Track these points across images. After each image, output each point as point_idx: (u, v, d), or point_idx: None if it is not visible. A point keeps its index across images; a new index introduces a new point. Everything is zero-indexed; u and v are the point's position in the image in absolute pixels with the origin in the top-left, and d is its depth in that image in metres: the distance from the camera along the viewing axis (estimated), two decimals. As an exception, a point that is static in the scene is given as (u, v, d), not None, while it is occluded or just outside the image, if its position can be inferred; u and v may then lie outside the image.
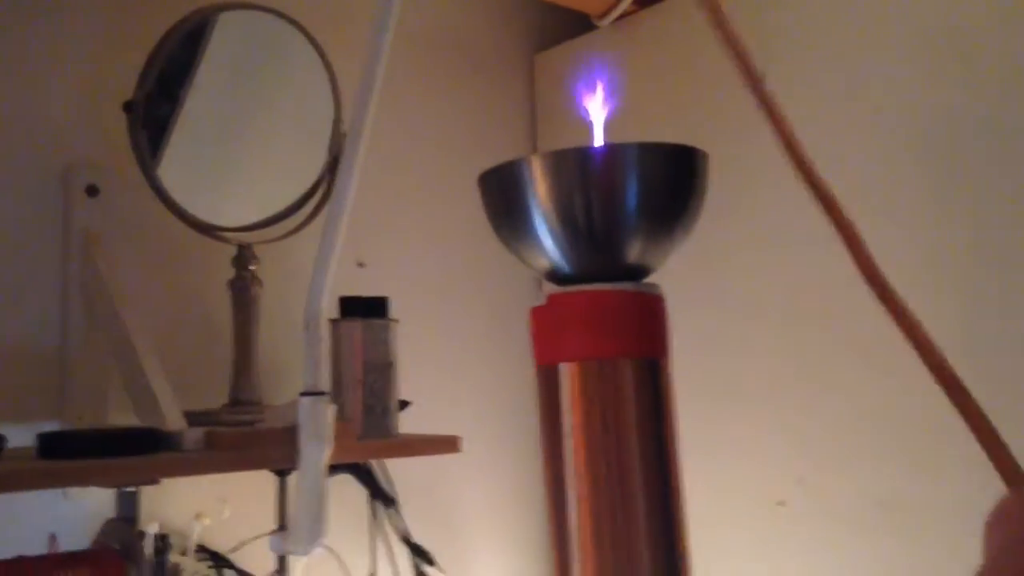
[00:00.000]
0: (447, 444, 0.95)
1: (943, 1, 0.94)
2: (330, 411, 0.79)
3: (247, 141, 1.00)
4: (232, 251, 0.97)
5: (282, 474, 0.94)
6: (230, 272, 0.97)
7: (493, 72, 1.42)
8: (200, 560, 0.98)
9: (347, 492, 1.06)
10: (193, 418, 0.84)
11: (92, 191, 0.95)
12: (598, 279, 0.49)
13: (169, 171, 0.91)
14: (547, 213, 0.48)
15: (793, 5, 1.08)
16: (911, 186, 0.96)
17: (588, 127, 0.51)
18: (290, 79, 1.02)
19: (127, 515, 0.82)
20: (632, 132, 0.46)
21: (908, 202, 0.96)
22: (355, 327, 0.92)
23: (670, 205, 0.50)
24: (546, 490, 0.51)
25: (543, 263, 0.51)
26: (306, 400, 0.79)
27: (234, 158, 0.99)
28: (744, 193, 1.06)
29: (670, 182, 0.50)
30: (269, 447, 0.80)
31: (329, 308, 0.81)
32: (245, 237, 0.97)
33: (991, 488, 0.29)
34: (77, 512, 0.92)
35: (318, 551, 0.80)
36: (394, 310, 0.95)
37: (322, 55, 0.99)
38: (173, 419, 0.80)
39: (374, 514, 1.09)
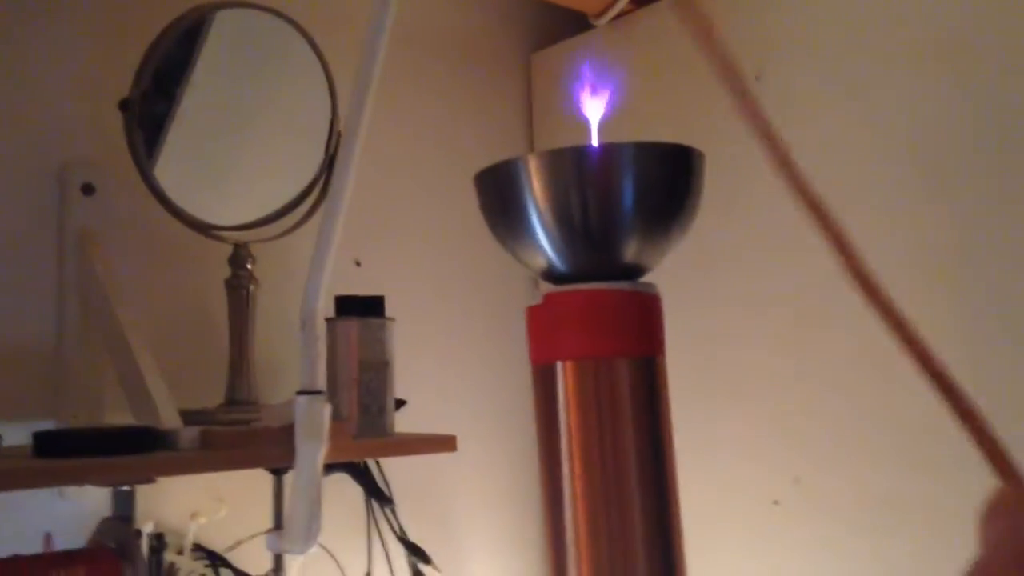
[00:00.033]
0: (443, 443, 0.95)
1: (937, 3, 0.95)
2: (326, 410, 0.79)
3: (243, 140, 1.00)
4: (228, 250, 0.97)
5: (278, 473, 0.94)
6: (226, 271, 0.97)
7: (490, 71, 1.42)
8: (196, 559, 0.98)
9: (343, 491, 1.06)
10: (189, 417, 0.84)
11: (88, 189, 0.95)
12: (594, 278, 0.49)
13: (165, 170, 0.91)
14: (543, 212, 0.48)
15: (790, 7, 1.08)
16: (906, 185, 0.96)
17: (585, 127, 0.51)
18: (287, 78, 1.02)
19: (123, 514, 0.82)
20: (629, 132, 0.46)
21: (903, 201, 0.96)
22: (351, 326, 0.92)
23: (666, 204, 0.50)
24: (542, 489, 0.51)
25: (539, 262, 0.51)
26: (302, 399, 0.79)
27: (230, 157, 0.99)
28: (740, 193, 1.06)
29: (666, 181, 0.50)
30: (265, 446, 0.80)
31: (325, 307, 0.81)
32: (241, 236, 0.96)
33: (987, 486, 0.29)
34: (73, 511, 0.91)
35: (314, 550, 0.80)
36: (390, 309, 0.95)
37: (319, 54, 0.99)
38: (169, 418, 0.80)
39: (370, 513, 1.09)
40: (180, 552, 0.96)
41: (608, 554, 0.48)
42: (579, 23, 1.34)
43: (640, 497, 0.48)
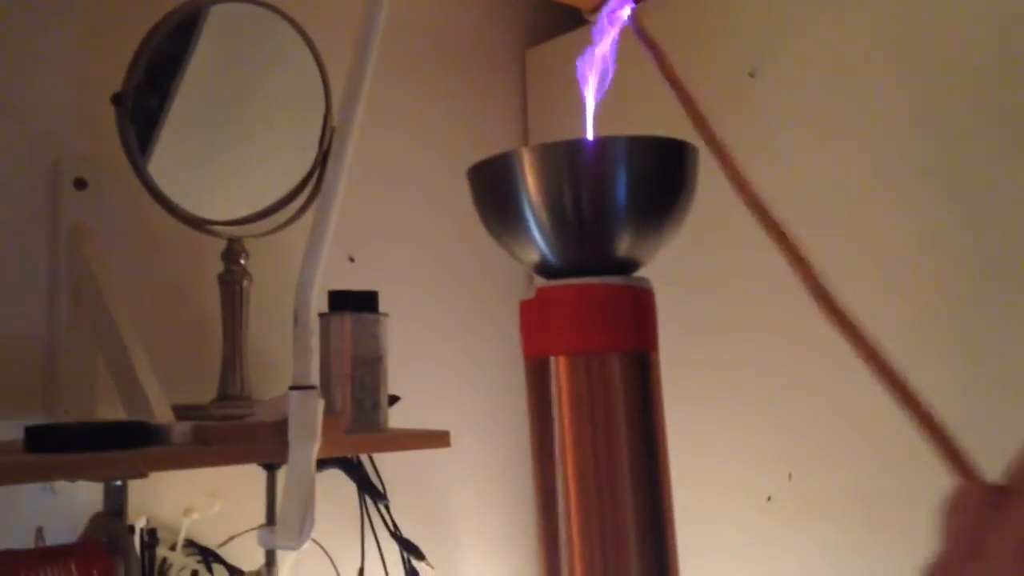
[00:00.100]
0: (437, 439, 0.95)
1: (935, 3, 0.95)
2: (319, 405, 0.79)
3: (237, 135, 0.99)
4: (222, 245, 0.97)
5: (271, 468, 0.94)
6: (219, 266, 0.97)
7: (484, 67, 1.42)
8: (188, 555, 0.98)
9: (337, 487, 1.06)
10: (182, 412, 0.84)
11: (80, 184, 0.95)
12: (587, 273, 0.49)
13: (158, 164, 0.91)
14: (536, 206, 0.48)
15: (783, 3, 1.08)
16: (901, 183, 0.96)
17: (580, 122, 0.51)
18: (281, 73, 1.01)
19: (115, 509, 0.82)
20: (624, 127, 0.46)
21: (899, 198, 0.96)
22: (344, 321, 0.92)
23: (660, 198, 0.50)
24: (535, 485, 0.51)
25: (532, 256, 0.51)
26: (295, 394, 0.79)
27: (224, 152, 0.99)
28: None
29: (659, 175, 0.50)
30: (258, 441, 0.80)
31: (319, 302, 0.81)
32: (235, 231, 0.96)
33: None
34: (64, 506, 0.91)
35: (307, 546, 0.80)
36: (384, 304, 0.95)
37: (313, 49, 0.99)
38: (161, 413, 0.80)
39: (364, 509, 1.09)
40: (173, 548, 0.96)
41: (600, 549, 0.48)
42: (573, 19, 1.34)
43: (633, 492, 0.48)
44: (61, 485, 0.91)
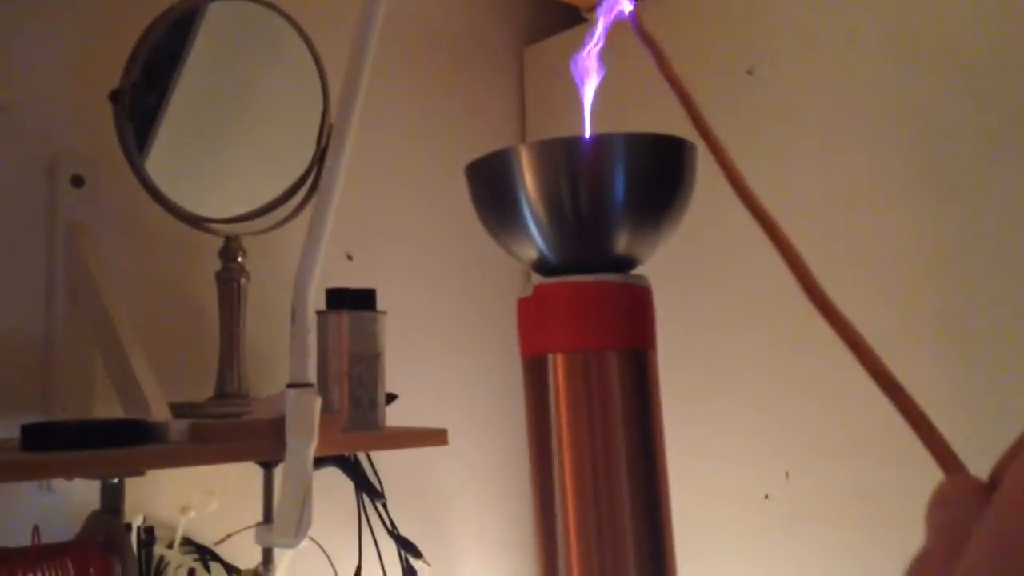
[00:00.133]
0: (435, 437, 0.95)
1: (933, 1, 0.95)
2: (316, 403, 0.79)
3: (235, 132, 0.99)
4: (219, 243, 0.97)
5: (268, 466, 0.94)
6: (217, 264, 0.97)
7: (482, 65, 1.42)
8: (186, 553, 0.98)
9: (334, 485, 1.06)
10: (179, 410, 0.84)
11: (77, 181, 0.95)
12: (585, 270, 0.49)
13: (156, 162, 0.91)
14: (534, 203, 0.48)
15: (782, 1, 1.08)
16: (899, 180, 0.96)
17: (578, 120, 0.51)
18: (279, 70, 1.01)
19: (112, 507, 0.82)
20: (623, 125, 0.46)
21: (896, 195, 0.96)
22: (342, 319, 0.92)
23: (658, 196, 0.50)
24: (532, 482, 0.51)
25: (530, 254, 0.51)
26: (292, 392, 0.79)
27: (221, 149, 0.99)
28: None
29: (657, 173, 0.50)
30: (255, 439, 0.80)
31: (316, 300, 0.81)
32: (232, 229, 0.96)
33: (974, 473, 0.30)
34: (61, 504, 0.91)
35: (304, 544, 0.80)
36: (382, 303, 0.95)
37: (311, 47, 0.99)
38: (158, 411, 0.80)
39: (361, 507, 1.08)
40: (170, 546, 0.96)
41: (598, 548, 0.48)
42: (572, 16, 1.34)
43: (630, 490, 0.48)
44: (58, 483, 0.91)
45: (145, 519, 0.93)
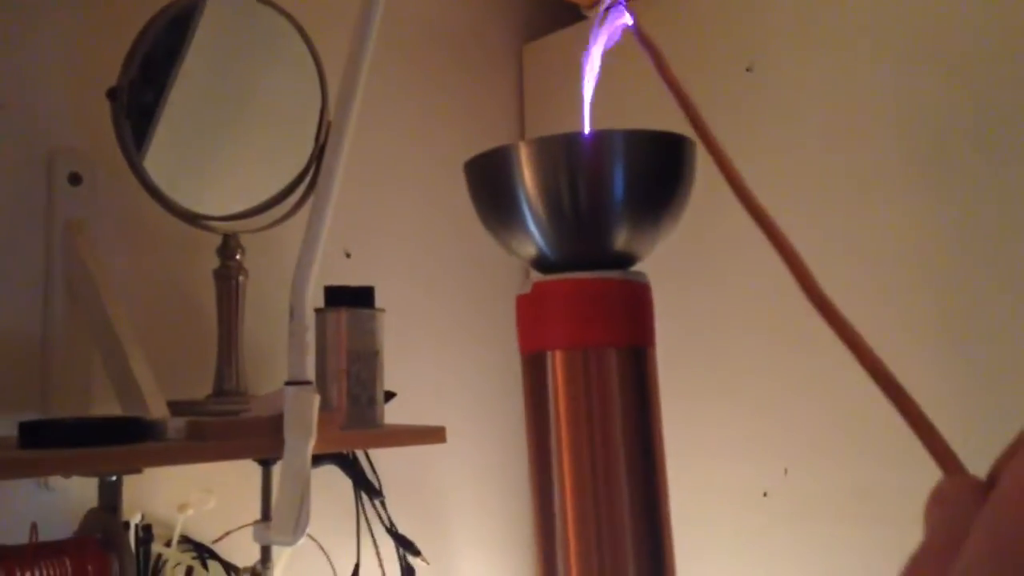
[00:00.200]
0: (433, 434, 0.95)
1: (931, -6, 0.95)
2: (315, 400, 0.79)
3: (233, 129, 0.99)
4: (217, 240, 0.96)
5: (267, 464, 0.94)
6: (215, 261, 0.96)
7: (481, 62, 1.42)
8: (184, 551, 0.98)
9: (332, 483, 1.06)
10: (177, 408, 0.84)
11: (75, 179, 0.95)
12: (584, 267, 0.49)
13: (154, 159, 0.90)
14: (533, 200, 0.48)
15: (783, 1, 1.08)
16: (898, 177, 0.96)
17: (577, 118, 0.51)
18: (277, 67, 1.01)
19: (110, 505, 0.82)
20: (622, 122, 0.46)
21: (895, 193, 0.96)
22: (340, 316, 0.92)
23: (657, 193, 0.50)
24: (531, 480, 0.50)
25: (529, 251, 0.51)
26: (291, 389, 0.78)
27: (220, 146, 0.98)
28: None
29: (656, 169, 0.50)
30: (253, 437, 0.80)
31: (315, 297, 0.81)
32: (230, 226, 0.96)
33: (973, 471, 0.30)
34: (59, 502, 0.91)
35: (302, 542, 0.80)
36: (380, 300, 0.95)
37: (309, 44, 0.98)
38: (156, 408, 0.80)
39: (359, 505, 1.08)
40: (168, 544, 0.96)
41: (597, 546, 0.47)
42: (571, 14, 1.34)
43: (629, 487, 0.48)
44: (55, 481, 0.91)
45: (143, 517, 0.93)
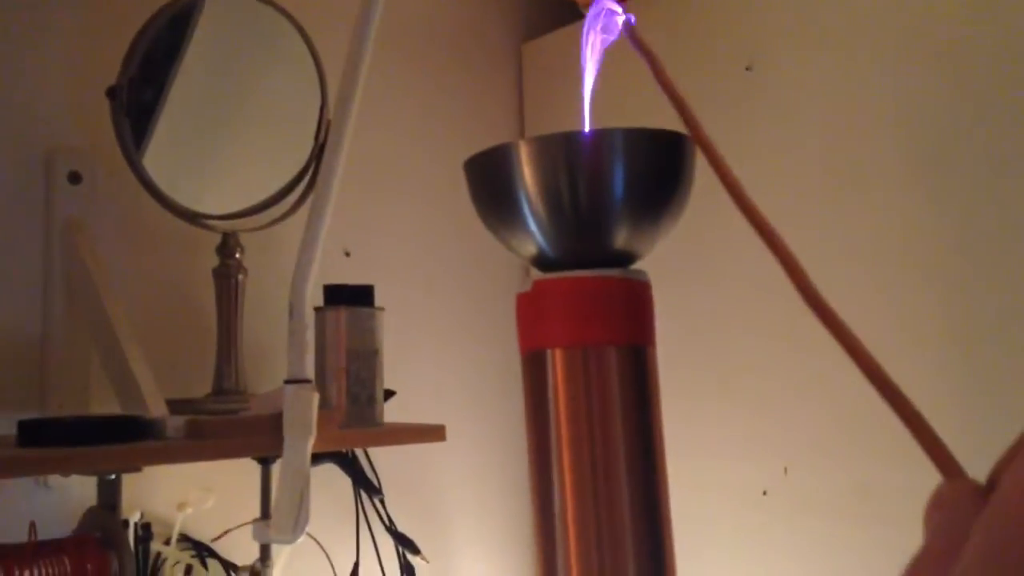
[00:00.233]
0: (433, 433, 0.95)
1: (930, -7, 0.95)
2: (314, 399, 0.79)
3: (232, 128, 0.99)
4: (217, 239, 0.96)
5: (266, 462, 0.94)
6: (215, 260, 0.96)
7: (480, 61, 1.41)
8: (183, 549, 0.98)
9: (332, 481, 1.06)
10: (176, 406, 0.84)
11: (74, 178, 0.94)
12: (584, 265, 0.49)
13: (153, 158, 0.90)
14: (533, 198, 0.48)
15: (781, 2, 1.08)
16: (898, 176, 0.96)
17: (577, 117, 0.51)
18: (276, 66, 1.01)
19: (109, 503, 0.82)
20: (622, 120, 0.46)
21: (895, 192, 0.96)
22: (340, 315, 0.92)
23: (657, 191, 0.50)
24: (531, 479, 0.50)
25: (529, 249, 0.51)
26: (290, 388, 0.78)
27: (219, 145, 0.98)
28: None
29: (657, 168, 0.50)
30: (252, 435, 0.80)
31: (314, 296, 0.81)
32: (230, 225, 0.96)
33: (973, 472, 0.30)
34: (58, 500, 0.91)
35: (301, 540, 0.80)
36: (380, 299, 0.95)
37: (308, 42, 0.98)
38: (156, 407, 0.80)
39: (359, 503, 1.08)
40: (167, 542, 0.96)
41: (596, 545, 0.47)
42: (570, 12, 1.34)
43: (629, 486, 0.48)
44: (54, 479, 0.91)
45: (142, 515, 0.93)
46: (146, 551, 0.91)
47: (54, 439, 0.72)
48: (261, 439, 0.80)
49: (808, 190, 1.02)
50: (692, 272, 1.13)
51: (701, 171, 0.52)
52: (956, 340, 0.90)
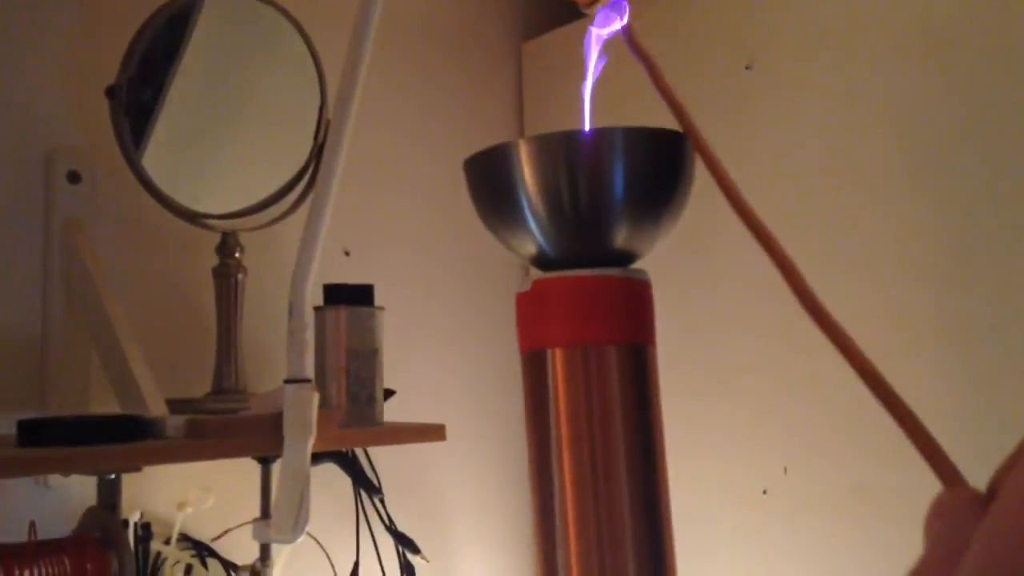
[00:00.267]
0: (432, 432, 0.94)
1: (930, -8, 0.95)
2: (314, 399, 0.79)
3: (232, 127, 0.99)
4: (216, 238, 0.96)
5: (266, 462, 0.94)
6: (214, 259, 0.96)
7: (480, 60, 1.41)
8: (183, 549, 0.98)
9: (332, 481, 1.06)
10: (176, 406, 0.84)
11: (73, 177, 0.94)
12: (584, 264, 0.49)
13: (152, 157, 0.90)
14: (533, 197, 0.48)
15: (781, 2, 1.08)
16: (896, 176, 0.96)
17: (576, 116, 0.51)
18: (276, 65, 1.01)
19: (108, 503, 0.82)
20: (622, 120, 0.46)
21: (893, 191, 0.96)
22: (339, 314, 0.92)
23: (657, 190, 0.50)
24: (531, 479, 0.50)
25: (529, 248, 0.51)
26: (290, 388, 0.78)
27: (219, 144, 0.98)
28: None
29: (657, 167, 0.50)
30: (252, 435, 0.80)
31: (314, 296, 0.81)
32: (229, 224, 0.96)
33: (972, 475, 0.30)
34: (58, 500, 0.91)
35: (301, 540, 0.80)
36: (380, 298, 0.95)
37: (308, 42, 0.98)
38: (155, 406, 0.80)
39: (359, 503, 1.08)
40: (167, 542, 0.96)
41: (596, 544, 0.47)
42: (570, 11, 1.33)
43: (629, 486, 0.48)
44: (54, 479, 0.91)
45: (142, 515, 0.93)
46: (146, 551, 0.91)
47: (54, 439, 0.72)
48: (261, 439, 0.80)
49: (807, 190, 1.02)
50: (692, 272, 1.13)
51: (701, 171, 0.52)
52: (953, 341, 0.90)
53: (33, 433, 0.72)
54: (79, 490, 0.90)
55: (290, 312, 0.79)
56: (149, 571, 0.92)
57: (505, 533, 1.34)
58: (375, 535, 1.09)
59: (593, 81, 0.51)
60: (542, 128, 1.41)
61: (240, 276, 0.96)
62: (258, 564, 0.94)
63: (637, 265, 0.52)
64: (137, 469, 0.80)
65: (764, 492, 1.06)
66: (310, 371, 0.80)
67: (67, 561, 0.74)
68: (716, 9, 1.15)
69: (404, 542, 1.10)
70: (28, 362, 0.93)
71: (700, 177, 0.52)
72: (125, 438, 0.74)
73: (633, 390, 0.49)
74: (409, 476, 1.22)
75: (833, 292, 0.38)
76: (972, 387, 0.88)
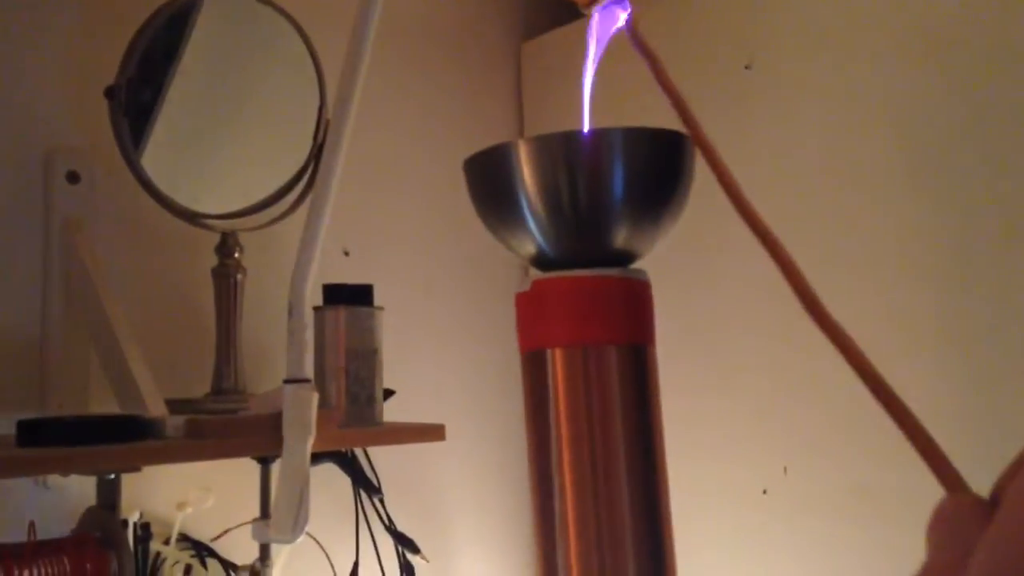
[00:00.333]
0: (432, 432, 0.94)
1: (930, -8, 0.95)
2: (313, 399, 0.79)
3: (231, 128, 0.99)
4: (216, 238, 0.96)
5: (265, 462, 0.94)
6: (213, 260, 0.96)
7: (479, 60, 1.41)
8: (182, 549, 0.98)
9: (331, 481, 1.05)
10: (175, 406, 0.84)
11: (73, 178, 0.94)
12: (584, 264, 0.49)
13: (152, 158, 0.90)
14: (533, 198, 0.48)
15: (781, 2, 1.08)
16: (896, 175, 0.96)
17: (576, 116, 0.51)
18: (275, 65, 1.01)
19: (108, 503, 0.82)
20: (622, 120, 0.46)
21: (893, 190, 0.96)
22: (339, 314, 0.92)
23: (656, 190, 0.50)
24: (531, 479, 0.50)
25: (529, 248, 0.51)
26: (289, 388, 0.78)
27: (218, 144, 0.98)
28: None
29: (656, 167, 0.50)
30: (251, 435, 0.80)
31: (314, 296, 0.81)
32: (229, 224, 0.96)
33: (973, 477, 0.30)
34: (57, 500, 0.91)
35: (301, 540, 0.80)
36: (379, 298, 0.95)
37: (307, 42, 0.98)
38: (155, 406, 0.80)
39: (358, 503, 1.08)
40: (166, 542, 0.96)
41: (596, 544, 0.47)
42: (569, 12, 1.33)
43: (629, 486, 0.48)
44: (54, 479, 0.91)
45: (141, 515, 0.93)
46: (145, 551, 0.91)
47: (53, 439, 0.72)
48: (260, 439, 0.80)
49: (807, 190, 1.02)
50: (692, 272, 1.13)
51: (701, 171, 0.52)
52: (953, 341, 0.90)
53: (33, 433, 0.72)
54: (79, 490, 0.90)
55: (289, 312, 0.79)
56: (149, 571, 0.92)
57: (505, 533, 1.34)
58: (375, 535, 1.09)
59: (592, 81, 0.51)
60: (542, 128, 1.41)
61: (239, 276, 0.96)
62: (258, 564, 0.94)
63: (637, 265, 0.52)
64: (136, 469, 0.79)
65: (764, 492, 1.06)
66: (309, 371, 0.80)
67: (67, 561, 0.74)
68: (716, 9, 1.15)
69: (404, 542, 1.10)
70: (28, 362, 0.93)
71: (700, 177, 0.52)
72: (125, 438, 0.74)
73: (633, 390, 0.49)
74: (409, 476, 1.22)
75: (833, 292, 0.38)
76: (972, 387, 0.88)
